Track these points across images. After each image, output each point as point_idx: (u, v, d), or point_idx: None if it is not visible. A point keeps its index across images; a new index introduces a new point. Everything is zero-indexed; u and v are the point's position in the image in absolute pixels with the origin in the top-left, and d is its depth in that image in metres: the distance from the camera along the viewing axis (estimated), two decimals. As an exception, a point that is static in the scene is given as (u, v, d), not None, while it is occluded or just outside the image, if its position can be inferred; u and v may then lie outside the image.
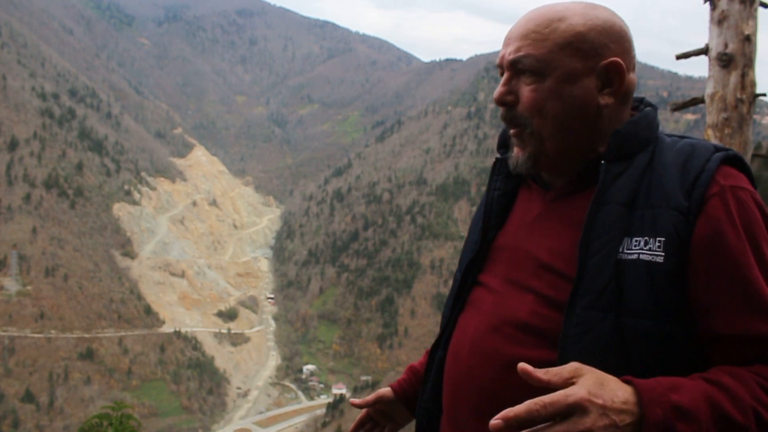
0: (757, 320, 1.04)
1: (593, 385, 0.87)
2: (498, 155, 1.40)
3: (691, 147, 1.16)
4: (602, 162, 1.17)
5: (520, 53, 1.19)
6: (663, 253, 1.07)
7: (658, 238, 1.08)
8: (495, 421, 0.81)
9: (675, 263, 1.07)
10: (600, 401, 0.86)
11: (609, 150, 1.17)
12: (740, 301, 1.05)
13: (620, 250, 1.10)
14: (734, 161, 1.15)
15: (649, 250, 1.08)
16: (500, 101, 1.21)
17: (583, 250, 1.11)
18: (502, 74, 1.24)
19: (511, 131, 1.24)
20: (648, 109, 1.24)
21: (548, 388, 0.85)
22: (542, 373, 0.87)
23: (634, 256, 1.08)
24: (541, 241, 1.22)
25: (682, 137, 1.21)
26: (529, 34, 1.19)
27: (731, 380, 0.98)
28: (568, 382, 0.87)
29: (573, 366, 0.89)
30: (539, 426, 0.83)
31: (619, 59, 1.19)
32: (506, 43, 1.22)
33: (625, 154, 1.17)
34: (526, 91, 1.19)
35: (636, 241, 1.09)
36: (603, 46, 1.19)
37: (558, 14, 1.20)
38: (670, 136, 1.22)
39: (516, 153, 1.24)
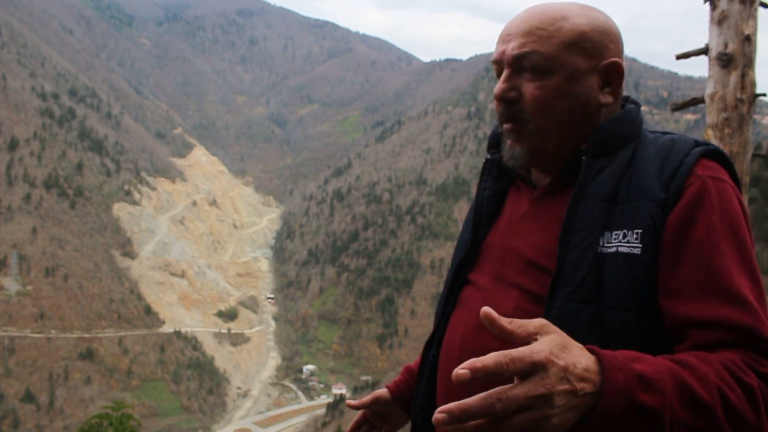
0: (719, 306, 1.04)
1: (556, 346, 0.85)
2: (488, 155, 1.41)
3: (672, 142, 1.17)
4: (583, 158, 1.18)
5: (525, 49, 1.18)
6: (640, 245, 1.08)
7: (635, 230, 1.09)
8: (461, 370, 0.78)
9: (652, 255, 1.08)
10: (562, 363, 0.84)
11: (590, 146, 1.19)
12: (703, 286, 1.05)
13: (600, 243, 1.11)
14: (715, 155, 1.16)
15: (627, 242, 1.09)
16: (502, 97, 1.21)
17: (562, 244, 1.13)
18: (499, 71, 1.24)
19: (507, 126, 1.23)
20: (631, 106, 1.26)
21: (508, 339, 0.83)
22: (506, 322, 0.85)
23: (613, 249, 1.09)
24: (526, 238, 1.23)
25: (664, 133, 1.23)
26: (533, 31, 1.19)
27: (696, 360, 0.98)
28: (531, 337, 0.85)
29: (540, 322, 0.87)
30: (500, 388, 0.81)
31: (619, 60, 1.22)
32: (505, 39, 1.22)
33: (606, 150, 1.19)
34: (530, 88, 1.19)
35: (615, 234, 1.10)
36: (604, 46, 1.21)
37: (560, 13, 1.21)
38: (653, 132, 1.23)
39: (511, 145, 1.24)
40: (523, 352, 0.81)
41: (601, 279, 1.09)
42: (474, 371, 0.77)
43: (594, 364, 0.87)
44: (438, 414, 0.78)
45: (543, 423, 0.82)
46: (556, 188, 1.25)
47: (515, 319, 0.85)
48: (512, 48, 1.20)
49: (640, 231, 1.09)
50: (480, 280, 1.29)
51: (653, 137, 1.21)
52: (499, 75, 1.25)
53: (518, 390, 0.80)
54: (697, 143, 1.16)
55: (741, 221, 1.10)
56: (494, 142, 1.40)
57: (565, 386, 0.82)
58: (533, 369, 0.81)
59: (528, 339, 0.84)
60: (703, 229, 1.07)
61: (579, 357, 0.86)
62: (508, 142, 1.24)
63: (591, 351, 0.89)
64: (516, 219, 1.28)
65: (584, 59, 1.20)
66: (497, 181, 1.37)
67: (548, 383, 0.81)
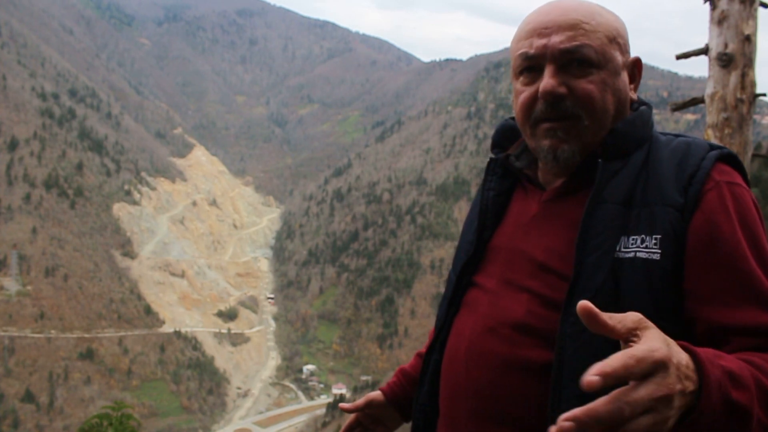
0: (757, 311, 1.03)
1: (664, 342, 0.80)
2: (492, 155, 1.38)
3: (686, 145, 1.17)
4: (599, 160, 1.16)
5: (576, 42, 1.15)
6: (659, 251, 1.07)
7: (654, 236, 1.07)
8: (592, 378, 0.73)
9: (672, 260, 1.07)
10: (675, 360, 0.79)
11: (606, 148, 1.17)
12: (740, 292, 1.04)
13: (617, 248, 1.09)
14: (729, 159, 1.15)
15: (646, 247, 1.07)
16: (554, 94, 1.16)
17: (579, 249, 1.11)
18: (531, 66, 1.20)
19: (550, 125, 1.18)
20: (643, 108, 1.24)
21: (607, 336, 0.80)
22: (607, 317, 0.80)
23: (631, 255, 1.08)
24: (537, 241, 1.21)
25: (677, 135, 1.22)
26: (579, 24, 1.16)
27: (761, 360, 0.96)
28: (631, 333, 0.81)
29: (636, 315, 0.82)
30: (622, 391, 0.76)
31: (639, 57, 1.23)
32: (543, 33, 1.18)
33: (621, 153, 1.17)
34: (581, 83, 1.16)
35: (633, 239, 1.09)
36: (628, 43, 1.23)
37: (593, 8, 1.20)
38: (665, 134, 1.22)
39: (555, 144, 1.18)
40: (645, 351, 0.77)
41: (619, 285, 1.07)
42: (605, 377, 0.74)
43: (690, 361, 0.83)
44: (563, 422, 0.74)
45: (661, 426, 0.78)
46: (567, 190, 1.22)
47: (613, 314, 0.81)
48: (559, 41, 1.16)
49: (659, 236, 1.07)
50: (486, 283, 1.26)
51: (666, 140, 1.20)
52: (526, 71, 1.22)
53: (642, 392, 0.76)
54: (712, 147, 1.16)
55: (759, 225, 1.10)
56: (499, 141, 1.38)
57: (680, 386, 0.79)
58: (655, 369, 0.77)
59: (628, 335, 0.81)
60: (728, 236, 1.06)
61: (680, 353, 0.83)
62: (548, 141, 1.19)
63: (683, 347, 0.86)
64: (524, 221, 1.25)
65: (620, 54, 1.20)
66: (502, 182, 1.34)
67: (669, 383, 0.78)
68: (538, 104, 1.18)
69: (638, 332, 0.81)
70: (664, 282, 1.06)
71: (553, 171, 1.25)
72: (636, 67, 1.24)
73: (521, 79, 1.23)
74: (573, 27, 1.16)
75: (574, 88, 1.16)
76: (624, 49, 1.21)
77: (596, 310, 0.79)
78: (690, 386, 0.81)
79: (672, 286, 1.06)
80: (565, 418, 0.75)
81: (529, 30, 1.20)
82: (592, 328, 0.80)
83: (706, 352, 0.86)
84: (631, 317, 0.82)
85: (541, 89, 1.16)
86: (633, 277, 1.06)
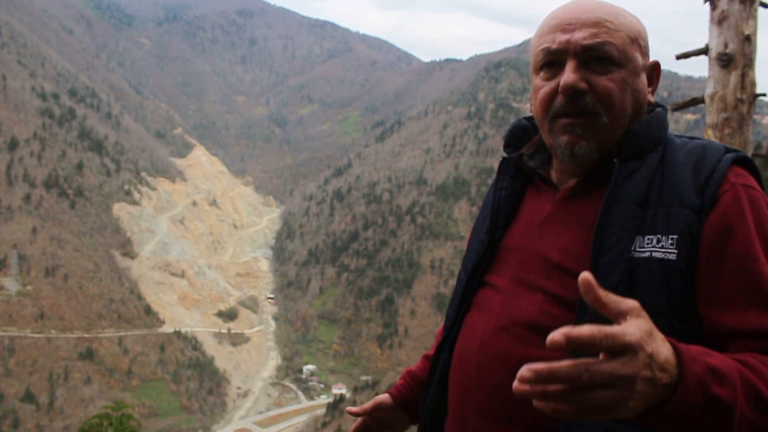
0: (763, 314, 1.03)
1: (645, 332, 0.82)
2: (505, 154, 1.38)
3: (702, 148, 1.17)
4: (615, 161, 1.17)
5: (599, 39, 1.16)
6: (676, 251, 1.07)
7: (670, 236, 1.08)
8: (557, 336, 0.76)
9: (688, 261, 1.07)
10: (649, 349, 0.81)
11: (623, 149, 1.17)
12: (748, 295, 1.05)
13: (633, 248, 1.10)
14: (744, 162, 1.17)
15: (662, 247, 1.08)
16: (575, 89, 1.16)
17: (595, 249, 1.11)
18: (551, 62, 1.21)
19: (570, 120, 1.18)
20: (659, 109, 1.25)
21: (597, 312, 0.83)
22: (603, 294, 0.82)
23: (647, 254, 1.08)
24: (551, 241, 1.21)
25: (692, 138, 1.23)
26: (602, 22, 1.17)
27: (755, 360, 0.98)
28: (621, 317, 0.83)
29: (633, 303, 0.84)
30: (588, 360, 0.79)
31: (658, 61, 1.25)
32: (566, 29, 1.18)
33: (636, 154, 1.18)
34: (603, 80, 1.17)
35: (648, 239, 1.09)
36: (648, 47, 1.24)
37: (615, 9, 1.21)
38: (679, 137, 1.23)
39: (573, 140, 1.18)
40: (617, 330, 0.80)
41: (634, 284, 1.08)
42: (568, 339, 0.76)
43: (672, 356, 0.86)
44: (524, 370, 0.78)
45: (619, 404, 0.81)
46: (581, 190, 1.23)
47: (610, 294, 0.82)
48: (582, 37, 1.16)
49: (675, 237, 1.08)
50: (499, 283, 1.26)
51: (681, 142, 1.21)
52: (547, 66, 1.22)
53: (606, 366, 0.79)
54: (727, 149, 1.17)
55: None
56: (512, 141, 1.38)
57: (648, 373, 0.82)
58: (623, 350, 0.80)
59: (618, 317, 0.83)
60: (742, 238, 1.07)
61: (662, 347, 0.85)
62: (566, 137, 1.19)
63: (669, 342, 0.88)
64: (538, 220, 1.26)
65: (640, 56, 1.21)
66: (514, 181, 1.34)
67: (634, 366, 0.80)
68: (558, 99, 1.19)
69: (627, 317, 0.82)
70: (680, 282, 1.07)
71: (568, 170, 1.25)
72: (654, 70, 1.25)
73: (542, 74, 1.23)
74: (596, 24, 1.17)
75: (594, 84, 1.16)
76: (644, 51, 1.22)
77: (593, 282, 0.81)
78: (664, 378, 0.83)
79: (687, 287, 1.07)
80: (526, 367, 0.78)
81: (553, 26, 1.21)
82: (586, 299, 0.82)
83: (690, 349, 0.88)
84: (628, 303, 0.83)
85: (561, 83, 1.17)
86: (648, 276, 1.07)
